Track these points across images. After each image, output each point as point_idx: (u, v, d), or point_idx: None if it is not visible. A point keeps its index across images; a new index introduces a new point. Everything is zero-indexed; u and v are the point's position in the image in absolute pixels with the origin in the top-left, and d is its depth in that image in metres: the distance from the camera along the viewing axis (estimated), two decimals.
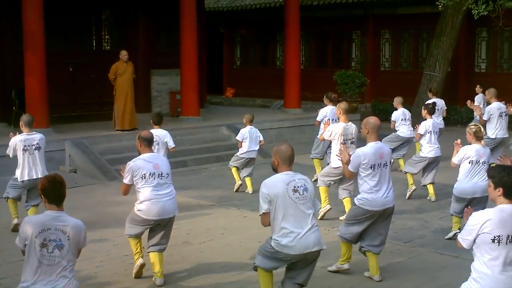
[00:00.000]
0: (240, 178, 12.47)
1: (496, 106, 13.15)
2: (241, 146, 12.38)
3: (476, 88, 16.80)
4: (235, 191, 12.42)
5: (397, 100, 14.37)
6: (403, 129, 13.96)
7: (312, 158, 13.46)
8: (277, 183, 6.14)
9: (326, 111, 12.92)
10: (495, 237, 4.99)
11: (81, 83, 17.97)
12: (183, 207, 11.19)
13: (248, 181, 12.32)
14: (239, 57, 29.78)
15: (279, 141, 17.52)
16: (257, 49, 28.99)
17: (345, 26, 25.71)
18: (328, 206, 10.31)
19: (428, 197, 11.63)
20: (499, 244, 5.00)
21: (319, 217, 10.06)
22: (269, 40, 28.28)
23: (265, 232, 6.77)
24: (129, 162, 7.56)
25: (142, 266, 7.71)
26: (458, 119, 20.76)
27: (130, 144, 13.94)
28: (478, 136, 8.89)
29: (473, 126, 8.98)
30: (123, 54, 15.86)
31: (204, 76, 21.13)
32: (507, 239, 5.01)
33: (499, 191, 5.12)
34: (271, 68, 27.85)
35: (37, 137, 9.74)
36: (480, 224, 5.04)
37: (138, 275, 7.76)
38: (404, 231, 9.66)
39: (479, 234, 5.05)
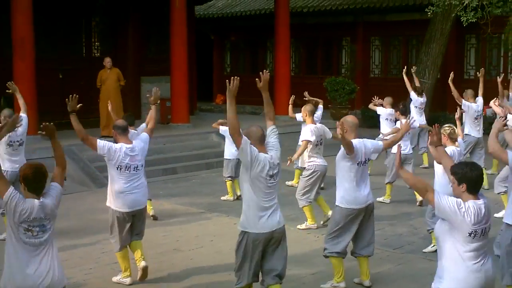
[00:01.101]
0: (233, 193, 12.36)
1: (473, 107, 13.28)
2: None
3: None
4: (222, 200, 12.38)
5: (387, 100, 14.51)
6: (385, 130, 14.11)
7: (296, 168, 13.34)
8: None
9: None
10: (472, 231, 5.03)
11: (71, 90, 17.81)
12: (173, 214, 11.20)
13: (236, 183, 12.26)
14: (229, 64, 29.79)
15: None
16: (247, 55, 29.01)
17: (335, 32, 25.76)
18: (314, 225, 10.26)
19: (382, 198, 11.87)
20: (474, 237, 5.04)
21: (301, 228, 10.17)
22: (259, 47, 28.31)
23: None
24: (112, 143, 7.71)
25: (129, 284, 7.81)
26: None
27: None
28: (453, 138, 8.69)
29: (447, 128, 8.77)
30: (106, 61, 15.96)
31: (194, 83, 21.12)
32: (481, 233, 5.06)
33: (462, 187, 5.14)
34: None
35: (20, 131, 9.76)
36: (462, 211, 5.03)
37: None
38: (393, 238, 9.67)
39: (458, 218, 5.01)
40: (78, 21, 18.69)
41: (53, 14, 17.58)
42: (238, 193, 12.08)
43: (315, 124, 10.44)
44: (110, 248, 8.87)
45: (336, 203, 7.58)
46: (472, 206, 5.05)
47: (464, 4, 15.05)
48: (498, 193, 10.38)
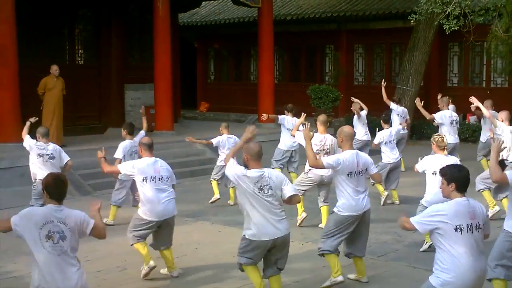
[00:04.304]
0: (219, 192, 12.40)
1: (448, 113, 14.24)
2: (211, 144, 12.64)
3: None
4: (210, 203, 12.39)
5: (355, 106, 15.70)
6: (361, 133, 15.28)
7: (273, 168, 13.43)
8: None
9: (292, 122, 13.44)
10: (456, 226, 5.48)
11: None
12: None
13: (232, 192, 12.27)
14: (213, 72, 29.79)
15: None
16: (231, 63, 29.03)
17: (318, 40, 25.86)
18: (304, 214, 10.63)
19: (391, 201, 12.34)
20: (461, 233, 5.47)
21: (297, 224, 10.46)
22: (243, 55, 28.34)
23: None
24: (134, 162, 8.46)
25: (153, 268, 8.18)
26: (430, 134, 20.86)
27: None
28: (440, 146, 9.08)
29: (436, 136, 9.26)
30: (54, 69, 15.74)
31: (178, 91, 21.10)
32: (467, 228, 5.50)
33: (452, 186, 5.64)
34: (245, 82, 27.88)
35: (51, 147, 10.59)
36: (440, 212, 5.51)
37: (146, 276, 8.19)
38: (377, 245, 9.69)
39: (438, 222, 5.47)
40: (62, 28, 18.63)
41: (36, 21, 17.51)
42: (232, 203, 12.29)
43: (325, 134, 10.44)
44: (94, 257, 8.88)
45: (333, 210, 7.85)
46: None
47: (447, 12, 15.13)
48: (478, 191, 10.91)
